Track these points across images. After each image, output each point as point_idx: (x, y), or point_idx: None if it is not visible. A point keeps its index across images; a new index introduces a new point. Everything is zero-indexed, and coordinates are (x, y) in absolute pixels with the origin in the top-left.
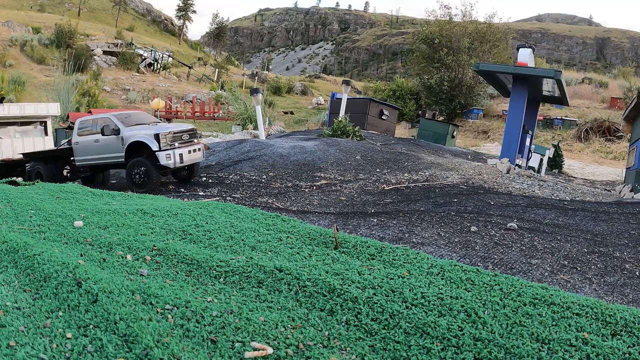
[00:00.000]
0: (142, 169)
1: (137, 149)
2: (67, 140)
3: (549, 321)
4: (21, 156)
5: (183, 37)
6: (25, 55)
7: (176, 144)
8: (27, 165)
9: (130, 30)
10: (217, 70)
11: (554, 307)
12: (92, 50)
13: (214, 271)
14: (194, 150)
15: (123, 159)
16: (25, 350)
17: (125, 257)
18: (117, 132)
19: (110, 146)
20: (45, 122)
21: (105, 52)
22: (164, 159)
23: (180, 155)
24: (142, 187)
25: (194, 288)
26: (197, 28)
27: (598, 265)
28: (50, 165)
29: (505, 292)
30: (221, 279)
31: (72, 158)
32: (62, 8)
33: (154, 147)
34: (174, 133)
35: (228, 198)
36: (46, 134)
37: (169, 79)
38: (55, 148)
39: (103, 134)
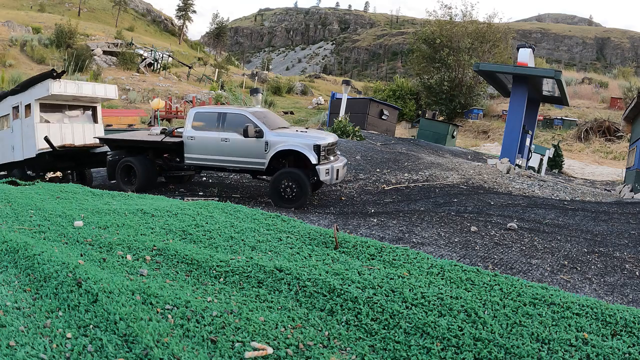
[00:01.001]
0: (295, 182)
1: (280, 157)
2: (160, 129)
3: (549, 321)
4: (96, 141)
5: (183, 37)
6: (25, 55)
7: (331, 158)
8: (108, 154)
9: (130, 30)
10: (217, 70)
11: (554, 307)
12: (92, 50)
13: (214, 271)
14: (344, 166)
15: (264, 167)
16: (25, 350)
17: (125, 257)
18: (260, 134)
19: (249, 149)
20: (95, 107)
21: (105, 52)
22: (323, 174)
23: (337, 171)
24: (290, 202)
25: (194, 288)
26: (197, 28)
27: (598, 265)
28: (142, 158)
29: (505, 292)
30: (221, 279)
31: (171, 153)
32: (62, 8)
33: (313, 159)
34: (330, 145)
35: (228, 198)
36: (96, 120)
37: (169, 79)
38: (159, 139)
39: (246, 135)
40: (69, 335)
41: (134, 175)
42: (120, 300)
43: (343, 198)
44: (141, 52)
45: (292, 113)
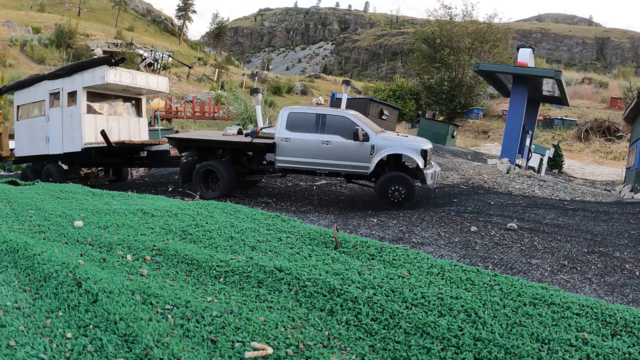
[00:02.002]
0: (403, 186)
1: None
2: (237, 129)
3: (549, 321)
4: (164, 140)
5: (183, 37)
6: (25, 55)
7: (432, 162)
8: (182, 156)
9: (130, 30)
10: (217, 70)
11: (554, 307)
12: (92, 50)
13: (214, 271)
14: (440, 171)
15: (369, 171)
16: (25, 350)
17: (125, 257)
18: (366, 138)
19: (353, 153)
20: (140, 99)
21: (105, 52)
22: (429, 178)
23: (438, 175)
24: (399, 205)
25: (194, 288)
26: (197, 28)
27: (598, 265)
28: (225, 161)
29: (505, 292)
30: (221, 279)
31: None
32: (62, 8)
33: (421, 164)
34: (431, 150)
35: (228, 198)
36: (140, 114)
37: (169, 78)
38: (248, 140)
39: (355, 139)
40: (69, 335)
41: (213, 180)
42: (120, 300)
43: (343, 198)
44: (141, 52)
45: None
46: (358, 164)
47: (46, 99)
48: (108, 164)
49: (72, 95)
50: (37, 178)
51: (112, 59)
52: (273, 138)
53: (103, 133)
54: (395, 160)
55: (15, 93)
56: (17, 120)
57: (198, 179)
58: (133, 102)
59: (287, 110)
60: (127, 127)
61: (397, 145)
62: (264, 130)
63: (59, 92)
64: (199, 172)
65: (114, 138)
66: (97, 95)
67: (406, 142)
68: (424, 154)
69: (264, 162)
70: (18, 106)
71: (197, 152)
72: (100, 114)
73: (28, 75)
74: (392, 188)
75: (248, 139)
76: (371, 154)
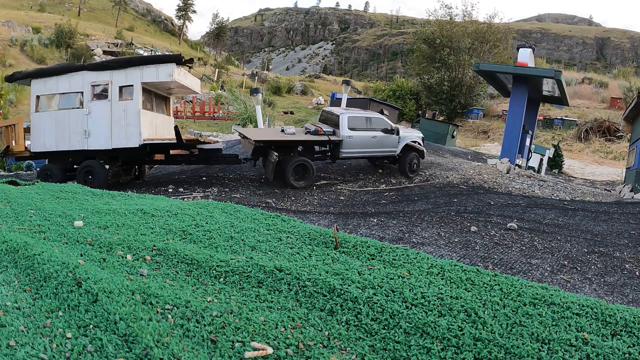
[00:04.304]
0: (416, 160)
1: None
2: (294, 129)
3: (549, 321)
4: (207, 137)
5: (183, 37)
6: (25, 55)
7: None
8: (273, 150)
9: (130, 30)
10: (217, 70)
11: (554, 307)
12: (92, 50)
13: (214, 271)
14: None
15: (397, 153)
16: (25, 350)
17: (125, 257)
18: (397, 132)
19: (389, 142)
20: (169, 99)
21: (105, 52)
22: (424, 155)
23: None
24: (414, 173)
25: (194, 288)
26: (197, 28)
27: (598, 265)
28: (308, 157)
29: (505, 292)
30: (221, 279)
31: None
32: (62, 8)
33: (421, 147)
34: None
35: (228, 198)
36: (169, 113)
37: None
38: (326, 138)
39: (391, 133)
40: (69, 335)
41: (301, 173)
42: (120, 300)
43: (342, 198)
44: (141, 52)
45: (292, 113)
46: (392, 150)
47: (86, 90)
48: (149, 162)
49: (125, 90)
50: (64, 177)
51: (182, 58)
52: (331, 135)
53: (176, 129)
54: (406, 145)
55: (33, 82)
56: (36, 111)
57: (291, 172)
58: (163, 100)
59: (345, 115)
60: (163, 124)
61: (409, 136)
62: (324, 130)
63: (104, 85)
64: (292, 166)
65: (158, 135)
66: (144, 91)
67: (413, 133)
68: (422, 140)
69: (329, 154)
70: (38, 96)
71: (277, 150)
72: (150, 110)
73: (54, 64)
74: (410, 162)
75: (325, 137)
76: (398, 142)
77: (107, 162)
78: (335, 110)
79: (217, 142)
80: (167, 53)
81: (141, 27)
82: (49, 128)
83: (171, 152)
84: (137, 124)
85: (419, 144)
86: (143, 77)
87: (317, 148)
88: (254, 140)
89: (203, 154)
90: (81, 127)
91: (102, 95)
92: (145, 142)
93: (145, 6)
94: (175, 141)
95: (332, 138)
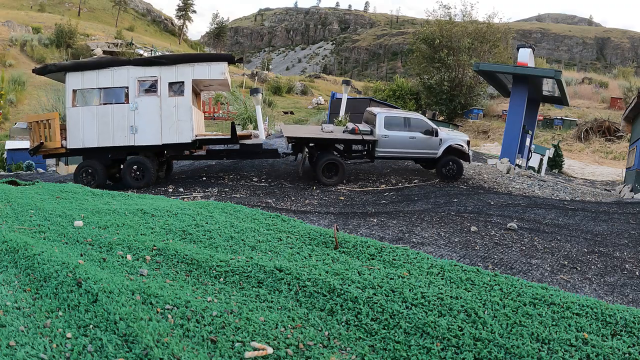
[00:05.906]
0: (455, 165)
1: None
2: (333, 127)
3: (549, 321)
4: (247, 131)
5: (183, 37)
6: (25, 55)
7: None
8: (307, 150)
9: (130, 30)
10: None
11: (554, 307)
12: (92, 50)
13: (214, 271)
14: None
15: (437, 156)
16: (25, 350)
17: (125, 257)
18: (437, 134)
19: (429, 144)
20: (199, 94)
21: (105, 52)
22: (470, 159)
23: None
24: (452, 178)
25: (194, 288)
26: (197, 28)
27: (598, 265)
28: (342, 152)
29: (505, 292)
30: (221, 279)
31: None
32: (62, 8)
33: (467, 150)
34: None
35: (228, 198)
36: (200, 108)
37: None
38: (361, 137)
39: (432, 135)
40: (69, 335)
41: (333, 170)
42: (120, 300)
43: (342, 198)
44: (141, 52)
45: (292, 113)
46: (432, 152)
47: (131, 85)
48: (196, 157)
49: (174, 86)
50: (105, 174)
51: (233, 57)
52: (368, 134)
53: (232, 125)
54: (450, 147)
55: (68, 75)
56: (73, 106)
57: (321, 170)
58: (196, 97)
59: (382, 115)
60: (200, 119)
61: (453, 139)
62: (361, 129)
63: (152, 81)
64: (323, 164)
65: (199, 130)
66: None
67: (458, 135)
68: (468, 143)
69: (364, 153)
70: (74, 90)
71: (311, 147)
72: (195, 106)
73: (95, 57)
74: (449, 166)
75: (359, 137)
76: (439, 145)
77: (162, 156)
78: (374, 110)
79: (257, 136)
80: (168, 53)
81: (141, 27)
82: (89, 124)
83: (211, 147)
84: (189, 120)
85: (464, 147)
86: (195, 74)
87: (359, 147)
88: (286, 137)
89: (244, 149)
90: (127, 123)
91: (151, 90)
92: (197, 137)
93: (145, 6)
94: (229, 136)
95: (367, 137)
